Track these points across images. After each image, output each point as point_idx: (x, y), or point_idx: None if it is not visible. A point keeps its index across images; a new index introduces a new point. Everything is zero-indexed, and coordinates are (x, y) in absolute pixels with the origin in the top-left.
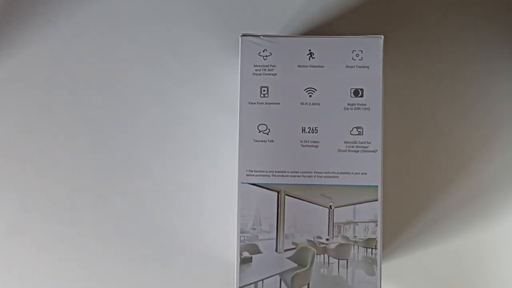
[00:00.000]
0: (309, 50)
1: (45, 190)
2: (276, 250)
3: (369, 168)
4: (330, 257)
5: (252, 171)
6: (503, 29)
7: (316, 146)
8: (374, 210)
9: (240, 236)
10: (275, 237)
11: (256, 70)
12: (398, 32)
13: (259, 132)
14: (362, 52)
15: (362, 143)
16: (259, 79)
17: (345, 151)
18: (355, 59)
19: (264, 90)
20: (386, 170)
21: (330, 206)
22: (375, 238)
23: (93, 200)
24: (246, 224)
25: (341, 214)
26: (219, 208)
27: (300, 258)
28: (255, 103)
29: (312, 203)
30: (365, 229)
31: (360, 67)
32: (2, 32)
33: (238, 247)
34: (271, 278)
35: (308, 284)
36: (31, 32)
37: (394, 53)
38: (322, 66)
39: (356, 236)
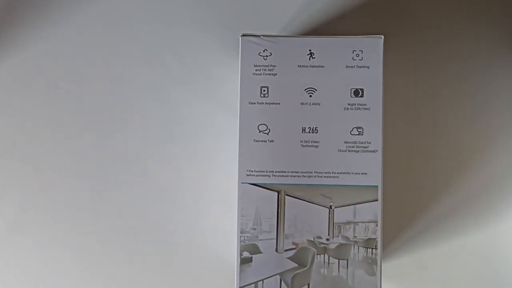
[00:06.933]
0: (309, 50)
1: (45, 190)
2: (276, 250)
3: (369, 168)
4: (330, 257)
5: (252, 171)
6: (503, 29)
7: (316, 146)
8: (374, 210)
9: (240, 236)
10: (275, 237)
11: (256, 70)
12: (398, 32)
13: (259, 132)
14: (362, 52)
15: (362, 143)
16: (259, 79)
17: (345, 151)
18: (355, 59)
19: (264, 90)
20: (386, 170)
21: (330, 206)
22: (375, 238)
23: (93, 199)
24: (246, 224)
25: (341, 214)
26: (219, 208)
27: (300, 258)
28: (255, 103)
29: (312, 203)
30: (365, 229)
31: (360, 67)
32: (2, 32)
33: (238, 247)
34: (271, 278)
35: (308, 284)
36: (31, 32)
37: (394, 53)
38: (322, 66)
39: (356, 236)
